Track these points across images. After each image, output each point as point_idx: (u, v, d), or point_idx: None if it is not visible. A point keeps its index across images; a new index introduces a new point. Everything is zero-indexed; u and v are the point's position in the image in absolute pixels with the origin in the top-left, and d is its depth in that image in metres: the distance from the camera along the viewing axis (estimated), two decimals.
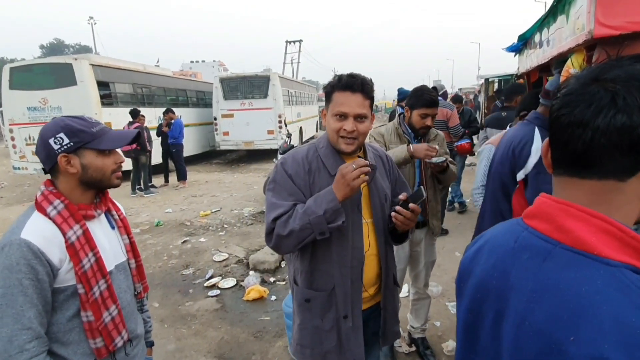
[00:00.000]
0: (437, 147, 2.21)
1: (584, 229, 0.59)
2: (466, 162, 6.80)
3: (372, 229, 1.55)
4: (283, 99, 12.74)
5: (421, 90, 2.38)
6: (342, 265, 1.47)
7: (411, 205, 1.42)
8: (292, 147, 7.47)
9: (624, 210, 0.59)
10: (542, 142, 1.28)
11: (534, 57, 1.87)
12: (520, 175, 1.85)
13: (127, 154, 7.77)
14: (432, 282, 3.56)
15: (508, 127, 2.52)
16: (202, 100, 13.92)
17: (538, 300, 0.60)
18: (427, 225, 2.49)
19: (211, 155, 14.06)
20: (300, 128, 15.64)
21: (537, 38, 1.76)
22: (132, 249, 1.38)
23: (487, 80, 10.01)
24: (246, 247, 4.92)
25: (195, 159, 12.90)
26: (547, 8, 1.74)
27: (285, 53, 27.85)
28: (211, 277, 4.11)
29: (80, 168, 1.17)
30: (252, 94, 12.37)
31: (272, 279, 4.03)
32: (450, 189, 5.81)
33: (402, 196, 1.48)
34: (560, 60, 1.51)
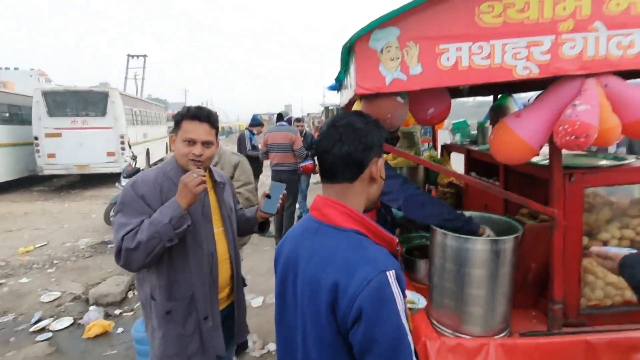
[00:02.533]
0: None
1: (334, 212, 1.00)
2: (311, 180, 7.59)
3: (222, 237, 1.78)
4: (126, 117, 11.70)
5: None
6: (199, 272, 1.65)
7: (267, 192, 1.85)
8: (138, 170, 7.01)
9: (355, 199, 1.03)
10: None
11: (346, 96, 2.44)
12: None
13: None
14: (252, 293, 3.98)
15: None
16: (17, 116, 11.60)
17: (312, 260, 0.98)
18: None
19: (32, 182, 11.78)
20: (147, 150, 14.52)
21: (345, 81, 2.33)
22: None
23: (327, 108, 11.40)
24: (84, 282, 4.41)
25: (9, 187, 10.62)
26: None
27: (127, 67, 25.49)
28: (39, 320, 3.57)
29: None
30: (87, 111, 10.97)
31: (117, 312, 3.76)
32: (298, 204, 6.43)
33: (266, 191, 1.84)
34: (354, 102, 2.04)
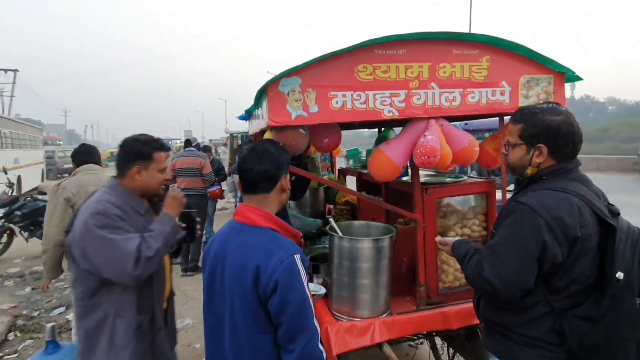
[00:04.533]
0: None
1: (254, 215, 1.33)
2: (217, 206, 7.63)
3: None
4: None
5: None
6: (158, 284, 1.79)
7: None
8: (16, 198, 6.23)
9: (271, 206, 1.37)
10: None
11: (256, 125, 2.78)
12: None
13: None
14: (180, 318, 4.01)
15: None
16: None
17: (238, 251, 1.29)
18: None
19: None
20: (19, 177, 12.71)
21: (255, 112, 2.68)
22: None
23: (232, 135, 11.49)
24: None
25: None
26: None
27: None
28: None
29: None
30: None
31: None
32: (204, 230, 6.41)
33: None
34: (265, 131, 2.38)
